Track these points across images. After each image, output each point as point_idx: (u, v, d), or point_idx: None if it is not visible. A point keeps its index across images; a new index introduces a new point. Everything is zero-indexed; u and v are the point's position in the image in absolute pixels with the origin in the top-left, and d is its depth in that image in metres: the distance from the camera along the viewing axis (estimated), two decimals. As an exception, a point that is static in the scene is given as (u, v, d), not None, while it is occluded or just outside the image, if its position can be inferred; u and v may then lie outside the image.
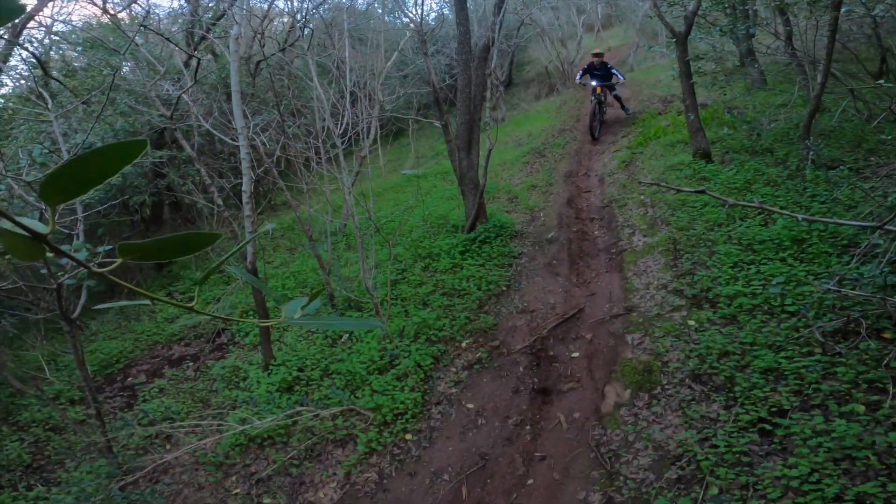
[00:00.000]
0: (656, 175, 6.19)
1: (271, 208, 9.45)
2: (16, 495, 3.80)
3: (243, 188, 3.87)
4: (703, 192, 1.62)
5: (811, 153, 4.86)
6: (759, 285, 3.69)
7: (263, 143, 5.25)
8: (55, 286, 2.98)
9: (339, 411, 3.80)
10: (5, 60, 5.72)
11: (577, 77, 9.91)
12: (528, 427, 3.55)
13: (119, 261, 0.46)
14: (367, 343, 4.36)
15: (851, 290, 3.22)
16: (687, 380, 3.29)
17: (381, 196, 8.12)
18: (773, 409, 2.83)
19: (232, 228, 5.36)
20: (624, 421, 3.24)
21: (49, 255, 0.40)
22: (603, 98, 9.31)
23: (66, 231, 4.18)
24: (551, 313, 4.52)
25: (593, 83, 9.29)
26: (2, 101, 6.98)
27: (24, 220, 0.37)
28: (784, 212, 1.28)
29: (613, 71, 9.34)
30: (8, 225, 0.37)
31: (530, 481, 3.18)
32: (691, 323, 3.71)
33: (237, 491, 3.54)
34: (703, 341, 3.44)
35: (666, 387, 3.33)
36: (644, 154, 7.10)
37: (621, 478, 2.88)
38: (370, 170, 5.42)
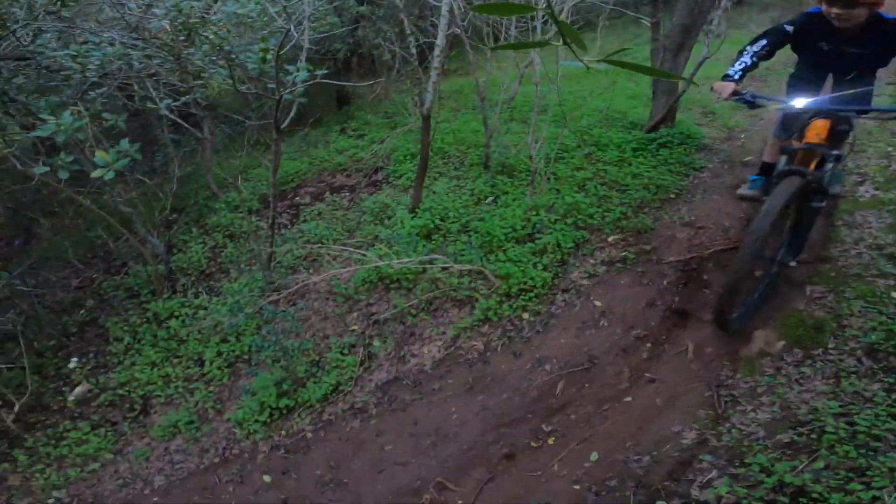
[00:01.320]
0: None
1: (444, 72, 9.43)
2: (184, 301, 4.18)
3: (437, 42, 4.02)
4: None
5: None
6: None
7: (461, 9, 5.33)
8: (277, 97, 3.24)
9: (468, 270, 3.85)
10: None
11: (737, 67, 3.17)
12: (649, 345, 3.32)
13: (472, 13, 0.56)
14: (513, 210, 4.29)
15: None
16: (859, 351, 2.78)
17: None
18: (942, 406, 2.30)
19: (418, 77, 5.43)
20: (762, 371, 2.87)
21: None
22: (828, 155, 2.85)
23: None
24: (721, 236, 4.01)
25: (801, 102, 2.95)
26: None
27: None
28: None
29: None
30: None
31: (628, 399, 3.00)
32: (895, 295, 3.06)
33: (354, 328, 3.78)
34: (902, 317, 2.83)
35: (830, 351, 2.85)
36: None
37: (728, 424, 2.59)
38: (560, 52, 5.01)
